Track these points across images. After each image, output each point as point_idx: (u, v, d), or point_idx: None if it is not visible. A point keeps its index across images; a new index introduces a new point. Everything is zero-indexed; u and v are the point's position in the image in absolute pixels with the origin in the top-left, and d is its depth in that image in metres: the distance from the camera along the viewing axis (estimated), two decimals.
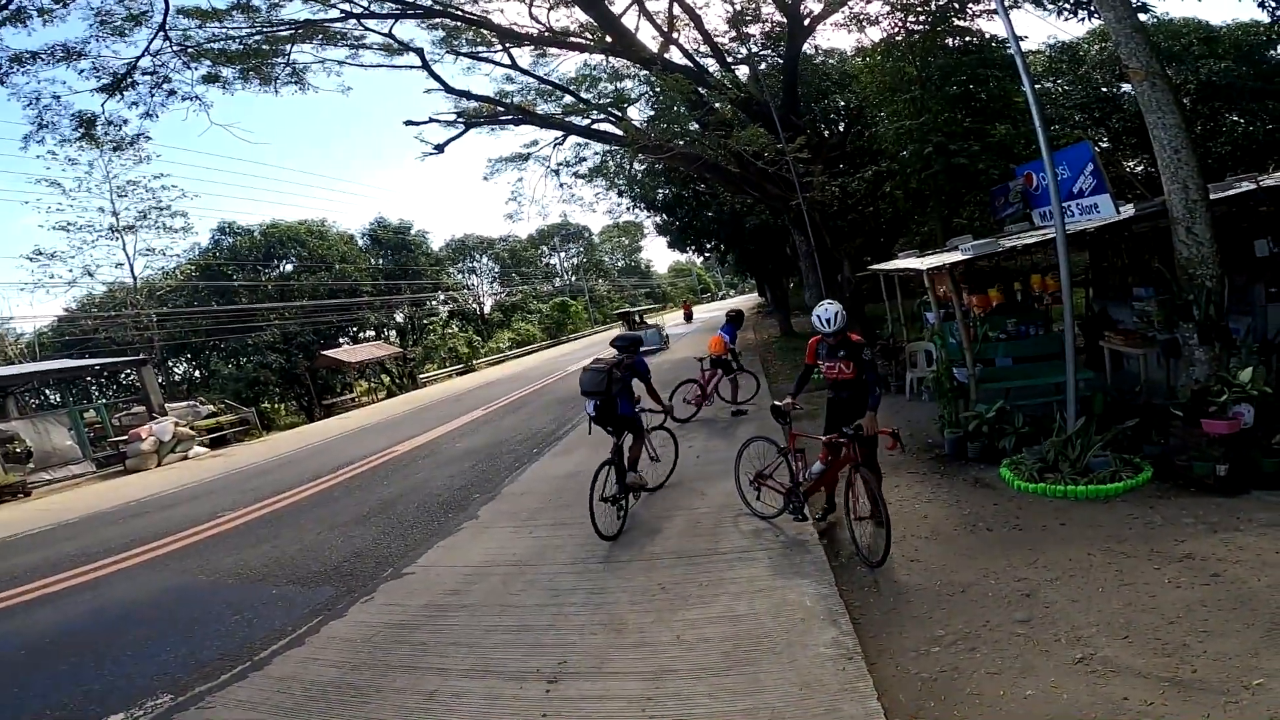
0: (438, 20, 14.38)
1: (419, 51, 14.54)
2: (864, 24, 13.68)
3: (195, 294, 34.06)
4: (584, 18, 14.03)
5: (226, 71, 13.93)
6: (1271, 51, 15.92)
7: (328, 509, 8.75)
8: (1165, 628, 3.28)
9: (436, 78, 14.86)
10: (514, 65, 15.49)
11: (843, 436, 4.65)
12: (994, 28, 11.94)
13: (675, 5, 14.39)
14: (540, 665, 3.79)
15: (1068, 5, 7.38)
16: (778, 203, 14.35)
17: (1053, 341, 7.82)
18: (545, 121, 15.51)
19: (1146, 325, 7.41)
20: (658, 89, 13.45)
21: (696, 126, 14.02)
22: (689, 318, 43.01)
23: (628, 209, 23.73)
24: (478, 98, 15.82)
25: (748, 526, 5.45)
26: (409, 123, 16.16)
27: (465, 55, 15.41)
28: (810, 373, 5.28)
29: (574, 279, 70.79)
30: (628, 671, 3.59)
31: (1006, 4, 6.50)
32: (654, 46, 14.23)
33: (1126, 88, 16.56)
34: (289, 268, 38.88)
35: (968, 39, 11.47)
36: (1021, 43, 6.29)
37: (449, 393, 25.06)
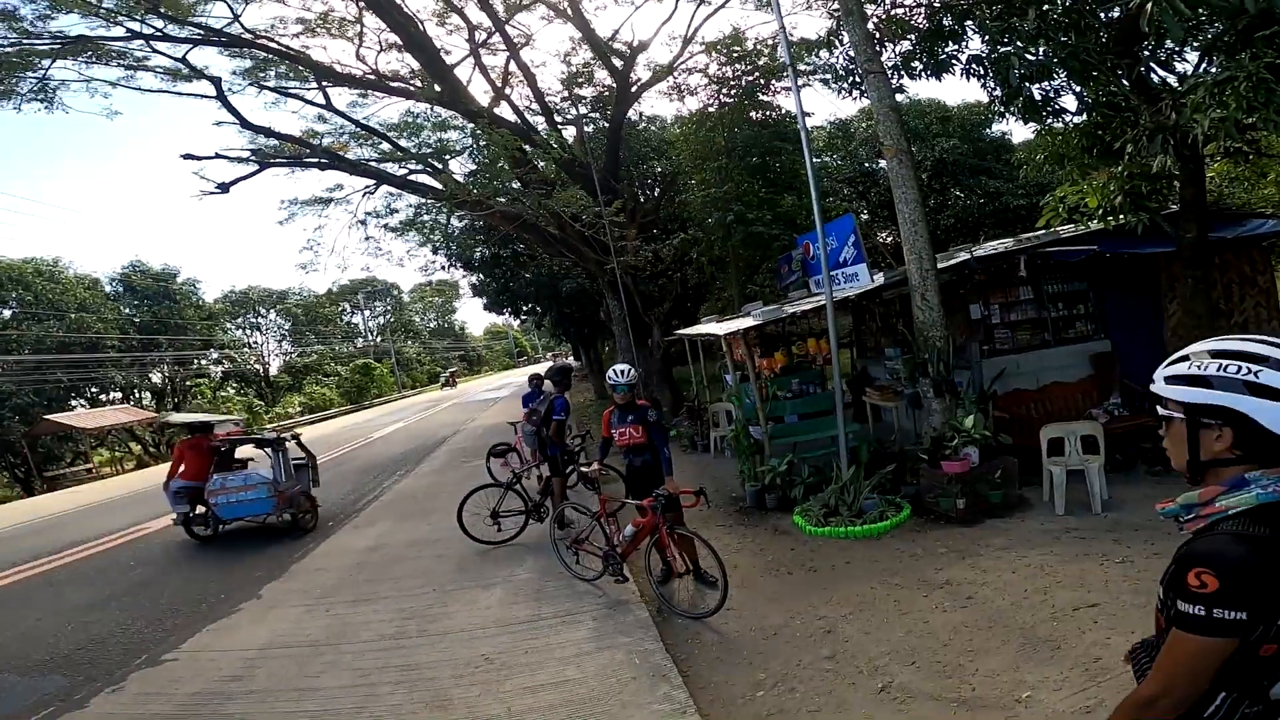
0: (246, 50, 13.21)
1: (215, 80, 13.02)
2: (684, 94, 14.75)
3: None
4: (415, 64, 13.67)
5: None
6: (988, 130, 19.13)
7: (56, 592, 7.47)
8: (942, 650, 3.76)
9: (232, 110, 13.44)
10: (329, 105, 14.46)
11: (656, 501, 4.74)
12: (790, 104, 13.64)
13: (512, 62, 14.52)
14: None
15: (845, 85, 8.82)
16: (593, 266, 14.89)
17: (828, 399, 8.74)
18: (357, 168, 14.57)
19: (896, 381, 8.82)
20: (482, 143, 13.48)
21: (518, 185, 14.24)
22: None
23: (442, 267, 22.89)
24: (281, 136, 14.44)
25: (569, 590, 5.39)
26: (189, 156, 14.17)
27: (273, 90, 14.12)
28: (609, 442, 5.33)
29: (379, 340, 66.38)
30: None
31: (799, 83, 7.70)
32: (485, 100, 14.17)
33: (883, 163, 19.70)
34: (7, 314, 31.76)
35: (768, 113, 12.91)
36: (808, 119, 7.44)
37: None
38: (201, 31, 12.35)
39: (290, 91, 14.44)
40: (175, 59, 12.77)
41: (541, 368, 10.65)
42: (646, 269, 14.85)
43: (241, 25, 12.69)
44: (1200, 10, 5.55)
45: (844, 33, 7.82)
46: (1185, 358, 1.34)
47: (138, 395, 38.38)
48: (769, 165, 12.94)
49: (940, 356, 6.90)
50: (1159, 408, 1.39)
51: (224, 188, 14.61)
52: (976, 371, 8.01)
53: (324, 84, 13.90)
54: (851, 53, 8.08)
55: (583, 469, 5.49)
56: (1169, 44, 6.70)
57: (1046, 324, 8.52)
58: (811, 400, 8.94)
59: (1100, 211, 7.61)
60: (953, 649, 3.75)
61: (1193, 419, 1.32)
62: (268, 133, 14.46)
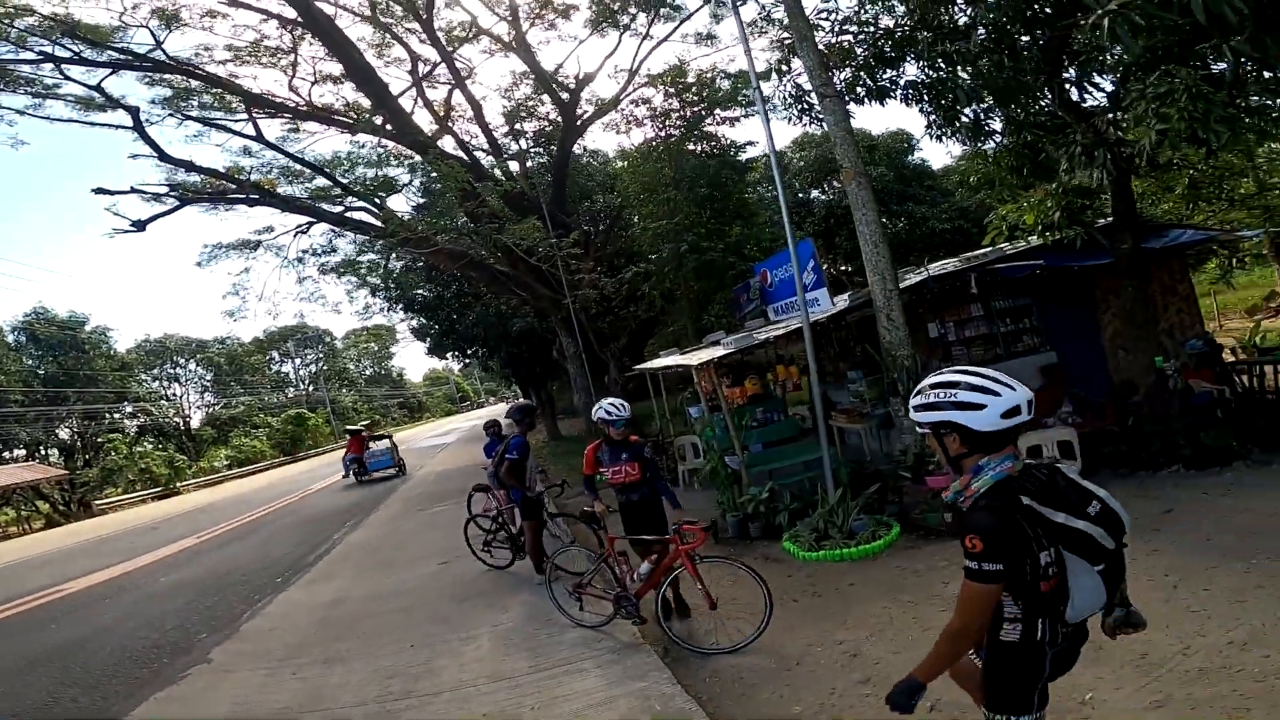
0: (167, 77, 12.51)
1: (132, 110, 12.24)
2: (630, 125, 14.79)
3: None
4: (351, 96, 13.39)
5: None
6: (909, 158, 19.96)
7: None
8: None
9: (150, 142, 12.63)
10: (259, 137, 13.79)
11: (692, 532, 4.49)
12: (734, 134, 13.96)
13: (457, 92, 14.29)
14: None
15: (795, 113, 8.96)
16: (546, 303, 14.60)
17: (792, 425, 8.84)
18: (289, 204, 13.88)
19: (860, 403, 8.87)
20: (432, 174, 13.10)
21: (466, 220, 13.87)
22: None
23: (381, 310, 21.92)
24: (204, 170, 13.64)
25: (564, 637, 5.04)
26: (100, 191, 13.23)
27: (196, 120, 13.38)
28: (593, 480, 5.08)
29: (312, 389, 63.41)
30: None
31: (753, 111, 7.79)
32: (428, 132, 13.88)
33: (816, 193, 20.20)
34: None
35: (712, 144, 13.12)
36: (751, 148, 7.49)
37: (142, 520, 20.36)
38: (121, 56, 11.66)
39: (216, 122, 13.76)
40: (89, 87, 12.03)
41: (495, 410, 10.19)
42: (593, 306, 14.62)
43: (164, 53, 12.09)
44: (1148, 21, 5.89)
45: (796, 59, 7.99)
46: (920, 391, 1.92)
47: (44, 452, 35.22)
48: (715, 196, 13.09)
49: (910, 375, 6.96)
50: (917, 428, 1.95)
51: (140, 225, 13.67)
52: None
53: (253, 114, 13.30)
54: (800, 80, 8.30)
55: (586, 509, 5.15)
56: (1091, 64, 7.09)
57: (997, 339, 8.82)
58: (776, 428, 8.82)
59: (1039, 228, 7.99)
60: None
61: (936, 432, 1.89)
62: (189, 166, 13.66)
